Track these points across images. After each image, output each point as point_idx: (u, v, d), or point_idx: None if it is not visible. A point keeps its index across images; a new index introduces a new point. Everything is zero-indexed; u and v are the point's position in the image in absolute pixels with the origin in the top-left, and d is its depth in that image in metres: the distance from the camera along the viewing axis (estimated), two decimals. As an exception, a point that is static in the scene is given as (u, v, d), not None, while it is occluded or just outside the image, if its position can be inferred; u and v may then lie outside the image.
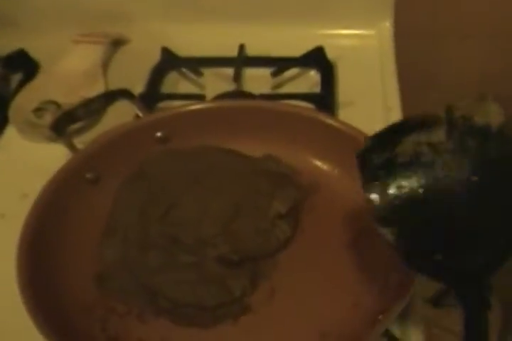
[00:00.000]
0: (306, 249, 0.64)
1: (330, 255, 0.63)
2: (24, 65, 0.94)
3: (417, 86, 1.06)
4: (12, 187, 0.75)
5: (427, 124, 0.50)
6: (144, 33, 0.96)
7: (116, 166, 0.70)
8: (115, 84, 0.86)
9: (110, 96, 0.75)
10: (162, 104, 0.84)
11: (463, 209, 0.48)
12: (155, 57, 0.92)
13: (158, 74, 0.90)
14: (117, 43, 0.97)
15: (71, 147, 0.71)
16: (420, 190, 0.49)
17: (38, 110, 0.83)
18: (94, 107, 0.74)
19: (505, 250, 0.47)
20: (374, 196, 0.49)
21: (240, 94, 0.84)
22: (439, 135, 0.49)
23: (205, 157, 0.70)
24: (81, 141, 0.73)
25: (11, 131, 0.84)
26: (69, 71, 0.89)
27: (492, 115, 0.48)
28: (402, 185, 0.49)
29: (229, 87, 0.86)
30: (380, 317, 0.54)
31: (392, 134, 0.51)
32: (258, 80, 0.88)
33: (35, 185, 0.64)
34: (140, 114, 0.73)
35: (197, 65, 0.90)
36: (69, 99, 0.83)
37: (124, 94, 0.74)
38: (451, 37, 1.09)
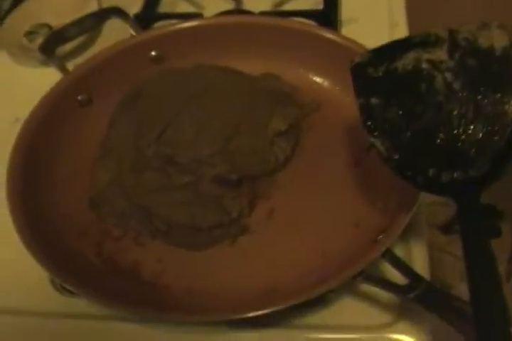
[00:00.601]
0: (306, 168, 0.62)
1: (330, 174, 0.61)
2: (14, -13, 0.89)
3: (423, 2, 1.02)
4: (4, 112, 0.74)
5: (428, 43, 0.51)
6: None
7: (108, 87, 0.67)
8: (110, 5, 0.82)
9: (102, 15, 0.72)
10: (158, 24, 0.81)
11: (455, 120, 0.48)
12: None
13: (154, -6, 0.86)
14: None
15: (63, 69, 0.69)
16: (417, 103, 0.49)
17: (30, 33, 0.81)
18: (86, 26, 0.71)
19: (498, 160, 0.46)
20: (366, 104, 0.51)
21: (239, 12, 0.80)
22: (440, 54, 0.50)
23: (201, 76, 0.67)
24: (74, 64, 0.71)
25: (2, 55, 0.82)
26: (61, -9, 0.86)
27: (496, 39, 0.48)
28: (398, 97, 0.50)
29: (228, 6, 0.82)
30: (381, 236, 0.53)
31: (391, 50, 0.52)
32: (258, -1, 0.84)
33: (27, 110, 0.63)
34: (134, 34, 0.70)
35: (195, -17, 0.86)
36: (62, 21, 0.80)
37: (116, 12, 0.71)
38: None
